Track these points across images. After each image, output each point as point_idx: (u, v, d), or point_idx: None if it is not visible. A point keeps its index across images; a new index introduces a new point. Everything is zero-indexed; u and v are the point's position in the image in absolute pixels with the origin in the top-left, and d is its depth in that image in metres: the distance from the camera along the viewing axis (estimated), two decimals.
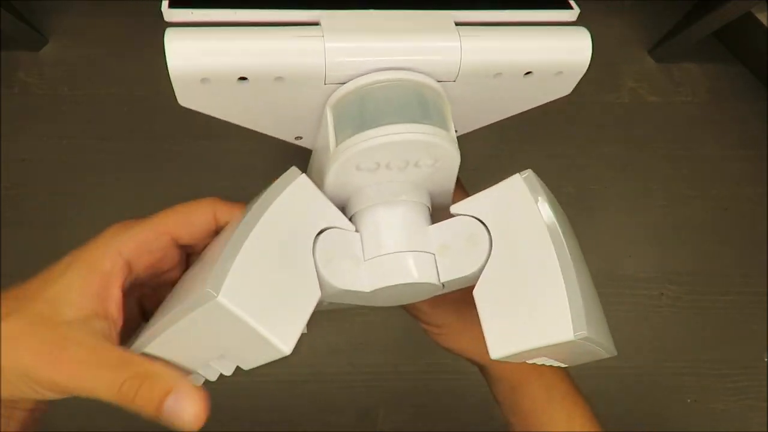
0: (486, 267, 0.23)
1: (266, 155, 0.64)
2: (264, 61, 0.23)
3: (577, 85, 0.28)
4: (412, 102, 0.24)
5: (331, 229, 0.23)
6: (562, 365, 0.26)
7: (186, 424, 0.19)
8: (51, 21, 0.69)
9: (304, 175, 0.23)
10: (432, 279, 0.23)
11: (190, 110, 0.23)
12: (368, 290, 0.23)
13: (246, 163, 0.64)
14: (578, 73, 0.27)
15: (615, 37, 0.71)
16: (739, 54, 0.71)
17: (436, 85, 0.25)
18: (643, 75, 0.70)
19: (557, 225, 0.22)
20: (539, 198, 0.22)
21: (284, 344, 0.20)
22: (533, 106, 0.30)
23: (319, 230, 0.23)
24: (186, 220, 0.24)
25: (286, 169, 0.23)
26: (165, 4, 0.23)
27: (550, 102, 0.29)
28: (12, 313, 0.20)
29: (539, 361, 0.24)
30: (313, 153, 0.33)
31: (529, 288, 0.21)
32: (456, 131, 0.30)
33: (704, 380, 0.58)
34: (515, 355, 0.21)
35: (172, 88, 0.23)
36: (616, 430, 0.57)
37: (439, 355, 0.58)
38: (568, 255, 0.21)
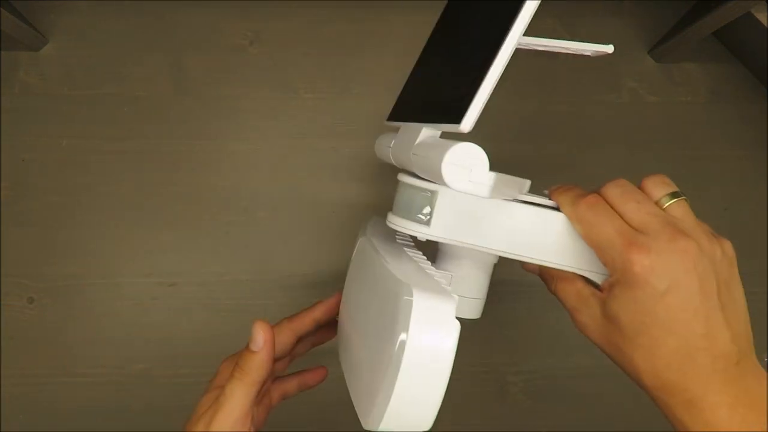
0: None
1: (266, 155, 0.64)
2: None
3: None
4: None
5: None
6: None
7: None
8: (51, 21, 0.69)
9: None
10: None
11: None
12: None
13: (246, 163, 0.64)
14: None
15: (615, 37, 0.71)
16: (739, 54, 0.71)
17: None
18: (643, 75, 0.70)
19: None
20: None
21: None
22: None
23: None
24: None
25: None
26: None
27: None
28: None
29: None
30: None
31: None
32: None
33: None
34: None
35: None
36: (616, 430, 0.57)
37: None
38: None
